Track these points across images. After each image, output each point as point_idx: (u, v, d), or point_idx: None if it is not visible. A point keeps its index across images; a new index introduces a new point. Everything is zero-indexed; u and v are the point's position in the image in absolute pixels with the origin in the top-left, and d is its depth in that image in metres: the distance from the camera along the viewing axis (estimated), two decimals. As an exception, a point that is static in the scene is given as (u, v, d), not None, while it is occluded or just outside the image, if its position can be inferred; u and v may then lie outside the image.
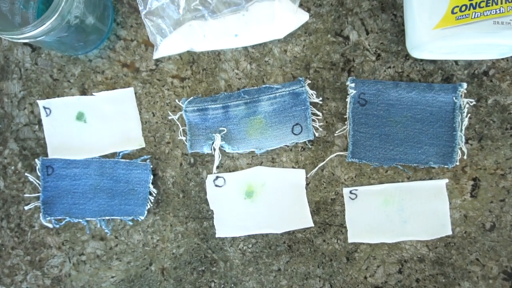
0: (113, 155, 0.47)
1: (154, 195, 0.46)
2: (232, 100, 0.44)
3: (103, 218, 0.46)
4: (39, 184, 0.46)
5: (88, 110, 0.47)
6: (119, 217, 0.46)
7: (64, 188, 0.45)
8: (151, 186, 0.46)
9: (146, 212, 0.45)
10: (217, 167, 0.46)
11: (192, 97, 0.45)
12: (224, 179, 0.46)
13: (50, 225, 0.46)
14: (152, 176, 0.46)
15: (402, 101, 0.43)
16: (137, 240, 0.47)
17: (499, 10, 0.34)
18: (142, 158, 0.46)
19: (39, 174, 0.45)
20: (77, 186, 0.45)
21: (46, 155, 0.47)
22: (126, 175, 0.45)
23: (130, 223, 0.46)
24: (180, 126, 0.46)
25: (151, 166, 0.46)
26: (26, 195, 0.47)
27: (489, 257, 0.44)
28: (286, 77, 0.45)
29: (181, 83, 0.46)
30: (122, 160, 0.46)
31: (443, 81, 0.44)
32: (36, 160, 0.45)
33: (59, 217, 0.46)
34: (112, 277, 0.48)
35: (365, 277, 0.45)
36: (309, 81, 0.45)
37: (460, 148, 0.43)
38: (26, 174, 0.46)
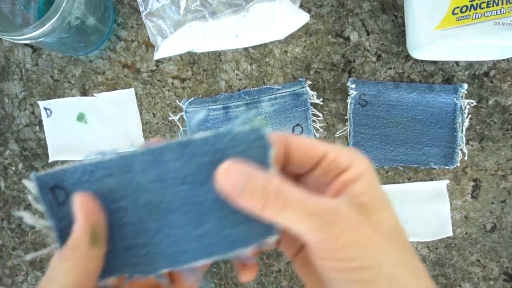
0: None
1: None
2: (232, 101, 0.44)
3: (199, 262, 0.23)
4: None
5: (89, 111, 0.47)
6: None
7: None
8: None
9: None
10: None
11: (192, 98, 0.45)
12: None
13: None
14: None
15: (403, 102, 0.43)
16: (138, 241, 0.47)
17: (500, 11, 0.34)
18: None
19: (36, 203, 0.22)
20: (124, 213, 0.22)
21: (47, 155, 0.47)
22: None
23: None
24: (180, 127, 0.46)
25: None
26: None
27: (490, 258, 0.44)
28: (286, 78, 0.45)
29: (181, 84, 0.46)
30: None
31: (444, 82, 0.44)
32: (26, 181, 0.21)
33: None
34: (113, 277, 0.48)
35: (366, 278, 0.45)
36: (310, 82, 0.45)
37: (461, 149, 0.43)
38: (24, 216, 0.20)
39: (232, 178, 0.19)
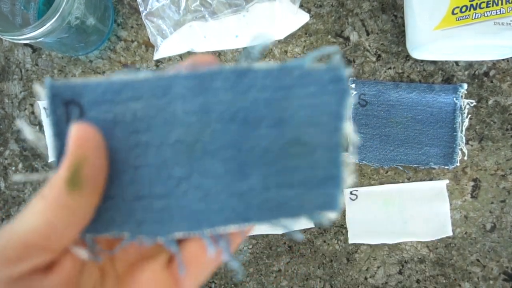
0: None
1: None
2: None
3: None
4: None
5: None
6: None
7: (115, 155, 0.17)
8: None
9: None
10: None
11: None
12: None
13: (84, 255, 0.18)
14: None
15: (403, 102, 0.43)
16: (138, 241, 0.47)
17: (500, 11, 0.34)
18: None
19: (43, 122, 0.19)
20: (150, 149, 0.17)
21: (47, 155, 0.47)
22: None
23: None
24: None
25: None
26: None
27: (490, 258, 0.44)
28: (286, 78, 0.45)
29: (181, 84, 0.46)
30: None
31: (444, 81, 0.44)
32: (37, 85, 0.17)
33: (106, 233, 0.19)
34: (113, 277, 0.47)
35: (366, 278, 0.45)
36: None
37: (461, 149, 0.43)
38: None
39: None
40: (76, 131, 0.15)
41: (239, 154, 0.16)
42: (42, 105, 0.47)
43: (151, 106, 0.16)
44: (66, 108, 0.16)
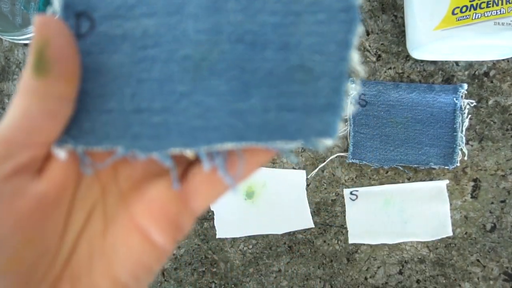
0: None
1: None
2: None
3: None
4: None
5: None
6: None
7: (119, 69, 0.17)
8: None
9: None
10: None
11: None
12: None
13: (61, 154, 0.16)
14: None
15: (403, 102, 0.43)
16: (138, 241, 0.47)
17: (500, 11, 0.34)
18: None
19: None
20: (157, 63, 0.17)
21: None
22: None
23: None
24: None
25: None
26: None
27: (490, 258, 0.44)
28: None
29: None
30: None
31: (444, 82, 0.44)
32: None
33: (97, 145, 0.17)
34: (113, 277, 0.47)
35: (366, 278, 0.45)
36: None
37: (461, 149, 0.43)
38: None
39: None
40: (39, 20, 0.14)
41: (243, 74, 0.16)
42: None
43: (163, 23, 0.16)
44: (77, 20, 0.16)
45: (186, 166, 0.18)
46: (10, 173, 0.14)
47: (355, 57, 0.16)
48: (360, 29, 0.16)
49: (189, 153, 0.17)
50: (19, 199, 0.14)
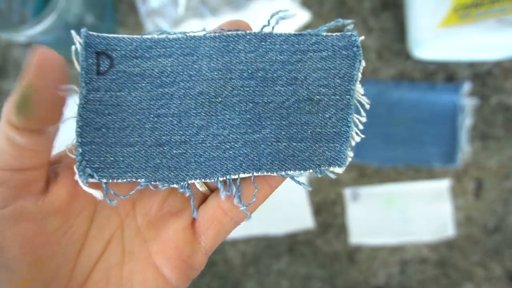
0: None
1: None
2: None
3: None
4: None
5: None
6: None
7: (138, 105, 0.18)
8: None
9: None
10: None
11: None
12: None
13: (98, 195, 0.17)
14: None
15: (404, 101, 0.43)
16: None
17: (502, 9, 0.33)
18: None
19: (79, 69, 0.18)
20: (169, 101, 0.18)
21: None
22: None
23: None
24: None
25: None
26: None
27: (492, 258, 0.44)
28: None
29: (181, 83, 0.46)
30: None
31: (446, 80, 0.44)
32: (74, 33, 0.17)
33: (119, 179, 0.18)
34: (111, 278, 0.47)
35: (366, 278, 0.45)
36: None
37: (463, 148, 0.43)
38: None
39: None
40: (38, 56, 0.14)
41: (255, 107, 0.18)
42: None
43: (179, 63, 0.18)
44: (97, 58, 0.17)
45: (198, 206, 0.19)
46: (10, 197, 0.15)
47: (359, 89, 0.18)
48: (362, 64, 0.18)
49: (200, 187, 0.18)
50: (22, 221, 0.15)
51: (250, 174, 0.17)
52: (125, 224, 0.19)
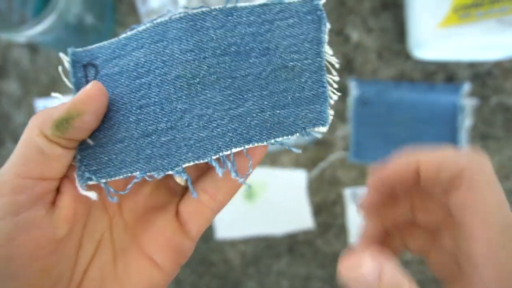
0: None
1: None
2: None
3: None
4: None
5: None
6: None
7: (121, 100, 0.18)
8: None
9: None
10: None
11: None
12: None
13: (93, 195, 0.18)
14: None
15: (404, 101, 0.43)
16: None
17: (502, 9, 0.33)
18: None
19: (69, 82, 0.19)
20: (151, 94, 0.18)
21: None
22: None
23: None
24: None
25: None
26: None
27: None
28: (287, 76, 0.45)
29: (181, 83, 0.46)
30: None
31: (446, 80, 0.44)
32: (62, 54, 0.19)
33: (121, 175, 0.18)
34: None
35: (367, 279, 0.45)
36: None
37: (463, 148, 0.43)
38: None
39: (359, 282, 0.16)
40: (91, 87, 0.16)
41: (234, 82, 0.18)
42: (40, 103, 0.46)
43: (151, 51, 0.18)
44: (84, 70, 0.18)
45: (180, 198, 0.20)
46: (27, 204, 0.16)
47: (328, 51, 0.19)
48: (327, 27, 0.18)
49: (180, 181, 0.19)
50: (36, 229, 0.16)
51: (242, 148, 0.18)
52: (113, 222, 0.19)
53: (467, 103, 0.43)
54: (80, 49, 0.18)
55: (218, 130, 0.18)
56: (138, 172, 0.18)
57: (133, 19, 0.46)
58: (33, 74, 0.47)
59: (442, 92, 0.42)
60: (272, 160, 0.45)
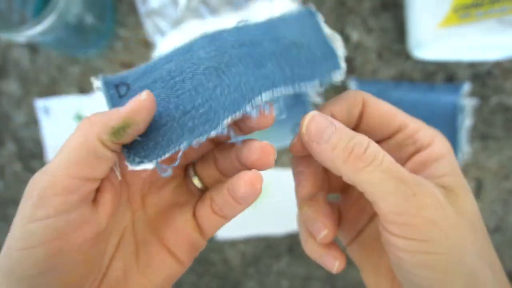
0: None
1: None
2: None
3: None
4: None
5: (87, 110, 0.46)
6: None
7: (158, 98, 0.21)
8: None
9: None
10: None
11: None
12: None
13: (151, 166, 0.20)
14: None
15: (404, 101, 0.43)
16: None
17: (502, 9, 0.33)
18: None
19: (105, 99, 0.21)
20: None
21: (44, 155, 0.46)
22: None
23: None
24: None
25: None
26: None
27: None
28: (286, 76, 0.45)
29: (181, 83, 0.46)
30: None
31: (446, 80, 0.44)
32: (93, 78, 0.21)
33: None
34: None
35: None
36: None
37: (463, 148, 0.43)
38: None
39: (319, 126, 0.19)
40: (144, 97, 0.18)
41: (253, 57, 0.21)
42: (40, 104, 0.46)
43: (180, 60, 0.21)
44: (116, 89, 0.21)
45: (198, 199, 0.22)
46: (78, 203, 0.17)
47: (328, 30, 0.22)
48: (321, 18, 0.22)
49: (198, 184, 0.22)
50: (84, 225, 0.18)
51: (272, 93, 0.20)
52: (136, 217, 0.21)
53: (467, 103, 0.43)
54: (110, 76, 0.21)
55: (248, 87, 0.20)
56: (184, 143, 0.19)
57: (133, 19, 0.46)
58: (33, 74, 0.47)
59: (442, 92, 0.42)
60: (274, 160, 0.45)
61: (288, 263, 0.46)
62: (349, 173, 0.18)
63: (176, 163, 0.20)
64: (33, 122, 0.47)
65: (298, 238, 0.45)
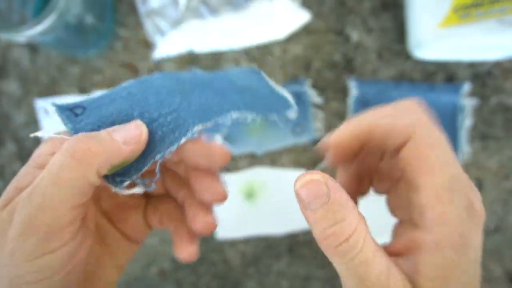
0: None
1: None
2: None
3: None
4: None
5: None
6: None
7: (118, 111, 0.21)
8: None
9: None
10: (217, 168, 0.46)
11: None
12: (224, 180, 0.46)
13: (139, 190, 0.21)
14: None
15: (404, 101, 0.43)
16: (137, 241, 0.47)
17: (502, 9, 0.33)
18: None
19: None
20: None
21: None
22: None
23: None
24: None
25: None
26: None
27: (493, 258, 0.44)
28: (287, 77, 0.45)
29: (181, 83, 0.46)
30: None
31: (446, 80, 0.44)
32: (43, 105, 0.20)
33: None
34: (111, 278, 0.47)
35: (367, 279, 0.45)
36: (310, 80, 0.44)
37: (463, 148, 0.43)
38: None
39: (311, 193, 0.18)
40: (142, 134, 0.19)
41: (213, 90, 0.22)
42: (40, 104, 0.46)
43: (140, 87, 0.21)
44: (71, 110, 0.20)
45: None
46: (79, 229, 0.19)
47: (272, 82, 0.26)
48: (265, 75, 0.26)
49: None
50: (84, 248, 0.20)
51: (236, 115, 0.21)
52: (95, 209, 0.23)
53: (467, 103, 0.43)
54: (63, 103, 0.20)
55: (213, 102, 0.21)
56: (159, 154, 0.20)
57: (133, 19, 0.46)
58: (33, 74, 0.47)
59: (442, 92, 0.42)
60: (272, 160, 0.45)
61: (288, 263, 0.46)
62: (323, 247, 0.18)
63: (157, 176, 0.20)
64: (33, 122, 0.47)
65: (298, 238, 0.45)
